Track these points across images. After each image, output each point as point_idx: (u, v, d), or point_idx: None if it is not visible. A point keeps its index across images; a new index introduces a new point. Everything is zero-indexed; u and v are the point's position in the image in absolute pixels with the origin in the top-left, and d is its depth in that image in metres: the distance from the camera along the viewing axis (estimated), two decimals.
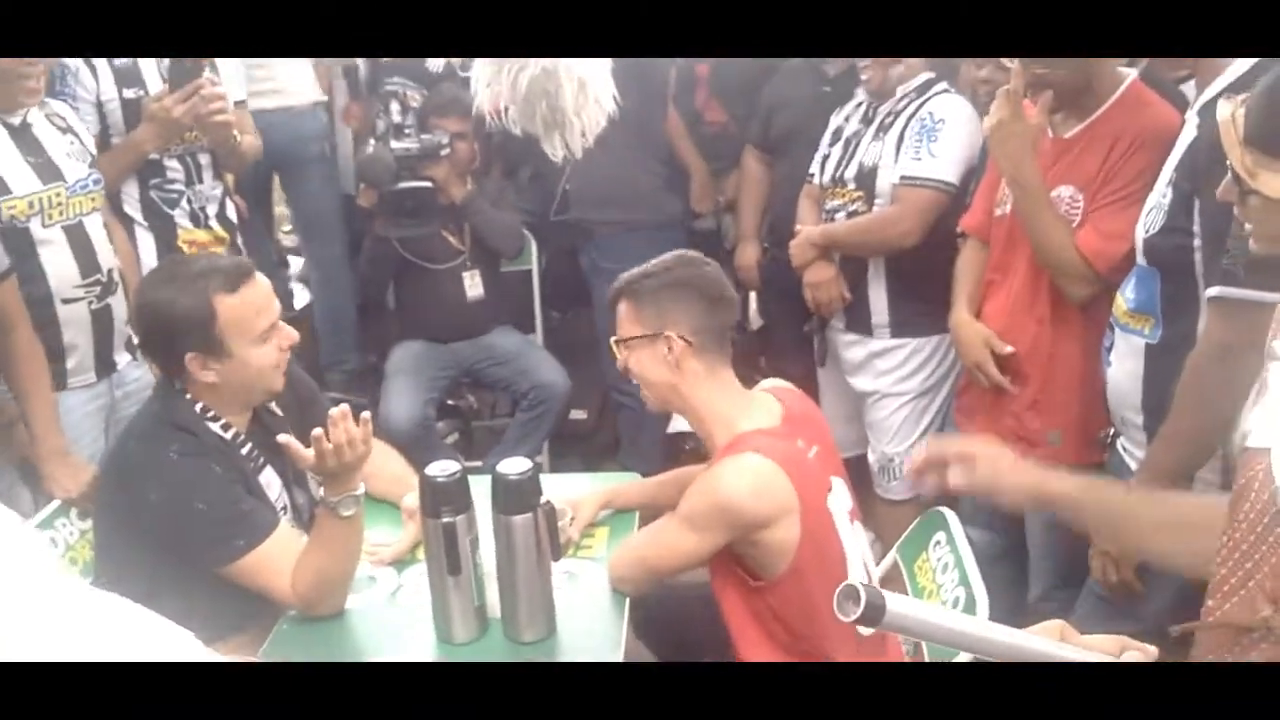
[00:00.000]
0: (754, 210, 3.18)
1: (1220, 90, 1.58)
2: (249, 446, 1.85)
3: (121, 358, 2.37)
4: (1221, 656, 0.76)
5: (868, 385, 2.70)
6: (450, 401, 3.46)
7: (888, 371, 2.66)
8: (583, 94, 2.09)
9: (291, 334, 1.84)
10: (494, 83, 2.08)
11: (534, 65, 2.00)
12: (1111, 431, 1.94)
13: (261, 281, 1.81)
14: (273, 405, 1.92)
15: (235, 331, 1.74)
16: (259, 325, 1.76)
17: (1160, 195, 1.72)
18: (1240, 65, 1.60)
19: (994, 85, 2.46)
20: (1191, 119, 1.71)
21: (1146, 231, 1.74)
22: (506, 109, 2.13)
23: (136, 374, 2.40)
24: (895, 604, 0.80)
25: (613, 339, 1.82)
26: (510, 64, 2.02)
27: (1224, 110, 1.23)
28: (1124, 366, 1.82)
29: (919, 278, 2.55)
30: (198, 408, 1.80)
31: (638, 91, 3.02)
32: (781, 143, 3.02)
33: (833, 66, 2.91)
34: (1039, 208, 2.02)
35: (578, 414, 3.53)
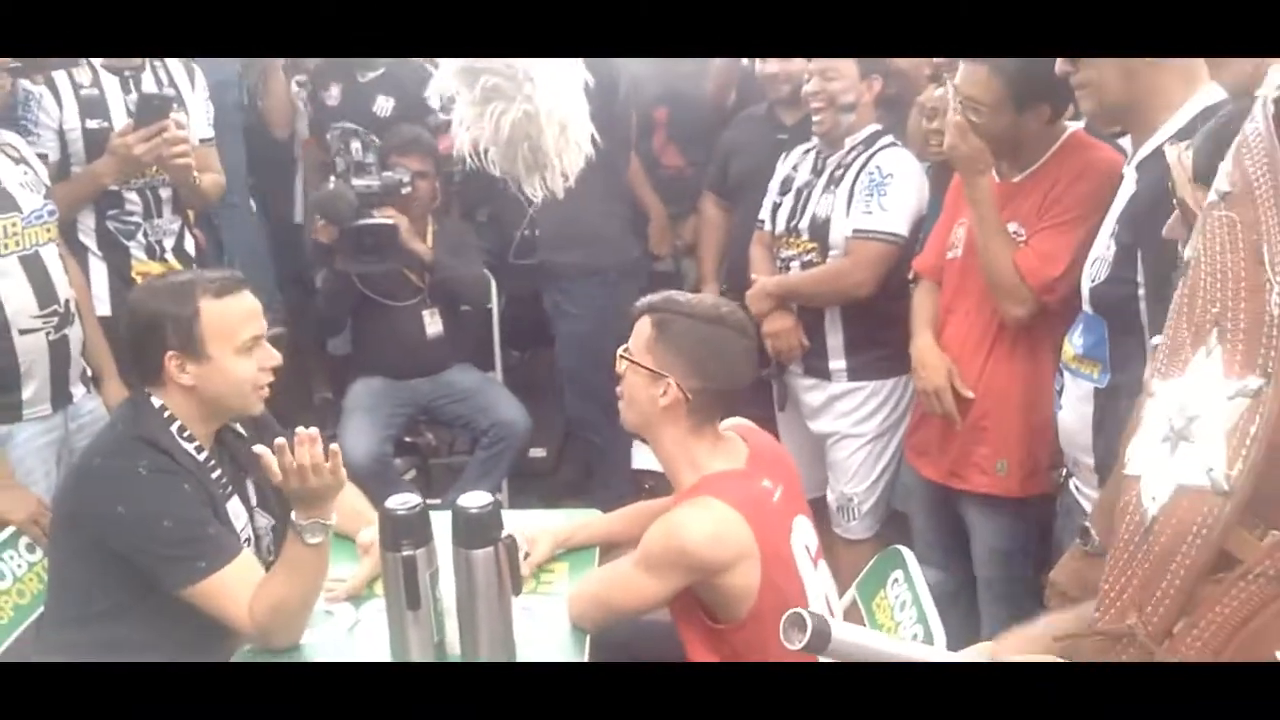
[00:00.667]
0: (714, 254, 3.24)
1: (1162, 142, 1.66)
2: (218, 472, 1.84)
3: (77, 390, 2.34)
4: (1102, 658, 0.85)
5: (827, 427, 2.74)
6: (408, 439, 3.44)
7: (847, 413, 2.70)
8: (564, 137, 2.13)
9: (274, 355, 1.84)
10: (474, 126, 2.10)
11: (516, 109, 2.04)
12: (1065, 471, 1.99)
13: (250, 297, 1.84)
14: (237, 426, 1.92)
15: (216, 335, 1.76)
16: (241, 334, 1.79)
17: (1104, 247, 1.78)
18: (1179, 119, 1.69)
19: (943, 137, 2.57)
20: (1130, 173, 1.78)
21: (1092, 281, 1.80)
22: (486, 150, 2.15)
23: (91, 406, 2.37)
24: (840, 630, 0.82)
25: (620, 349, 1.80)
26: (493, 107, 2.05)
27: (1171, 154, 1.32)
28: (1074, 410, 1.88)
29: (874, 323, 2.61)
30: (174, 427, 1.79)
31: (605, 135, 3.08)
32: (738, 188, 3.09)
33: (789, 115, 2.99)
34: (988, 224, 2.09)
35: (537, 452, 3.53)
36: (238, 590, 1.67)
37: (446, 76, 2.11)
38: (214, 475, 1.83)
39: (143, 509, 1.69)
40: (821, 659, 0.86)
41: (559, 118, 2.09)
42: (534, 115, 2.05)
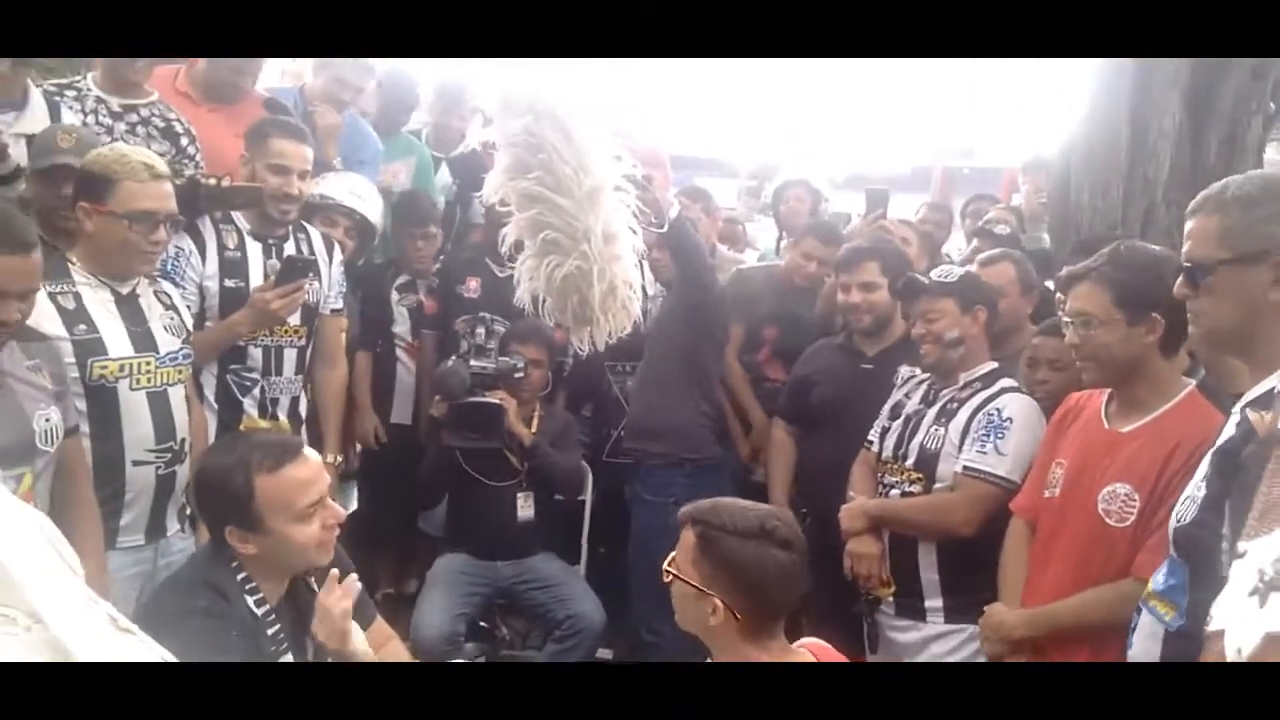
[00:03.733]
0: (784, 479, 3.20)
1: (1274, 386, 1.57)
2: (276, 628, 1.85)
3: (172, 525, 2.41)
4: None
5: None
6: (483, 623, 3.39)
7: (943, 655, 2.54)
8: (611, 297, 2.24)
9: (338, 513, 1.88)
10: (533, 276, 2.23)
11: (570, 263, 2.17)
12: None
13: (310, 460, 1.88)
14: (311, 580, 1.93)
15: (274, 509, 1.80)
16: (299, 503, 1.82)
17: (1196, 487, 1.68)
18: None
19: (1051, 385, 2.55)
20: (1236, 414, 1.66)
21: (1178, 520, 1.69)
22: (544, 301, 2.27)
23: (182, 545, 2.43)
24: None
25: (667, 561, 1.75)
26: (550, 259, 2.19)
27: (1253, 417, 1.28)
28: (1143, 647, 1.76)
29: (974, 563, 2.47)
30: (239, 576, 1.83)
31: (695, 328, 3.18)
32: (818, 416, 3.09)
33: (870, 346, 3.04)
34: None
35: (604, 653, 3.42)
36: None
37: (515, 228, 2.24)
38: (270, 631, 1.84)
39: (189, 649, 1.70)
40: None
41: (609, 278, 2.20)
42: (586, 272, 2.17)
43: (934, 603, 2.56)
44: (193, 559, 1.99)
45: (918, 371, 2.75)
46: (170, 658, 0.89)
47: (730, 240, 4.84)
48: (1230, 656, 0.83)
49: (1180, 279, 1.71)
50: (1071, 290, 2.11)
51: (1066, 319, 2.13)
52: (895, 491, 2.64)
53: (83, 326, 2.23)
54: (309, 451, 1.90)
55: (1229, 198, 1.64)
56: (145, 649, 0.72)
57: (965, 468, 2.50)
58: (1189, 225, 1.70)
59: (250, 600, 1.82)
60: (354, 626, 1.87)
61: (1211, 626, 0.91)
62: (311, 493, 1.83)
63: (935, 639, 2.55)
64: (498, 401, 3.12)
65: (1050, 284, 2.91)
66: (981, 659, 2.44)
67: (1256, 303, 1.61)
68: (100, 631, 0.69)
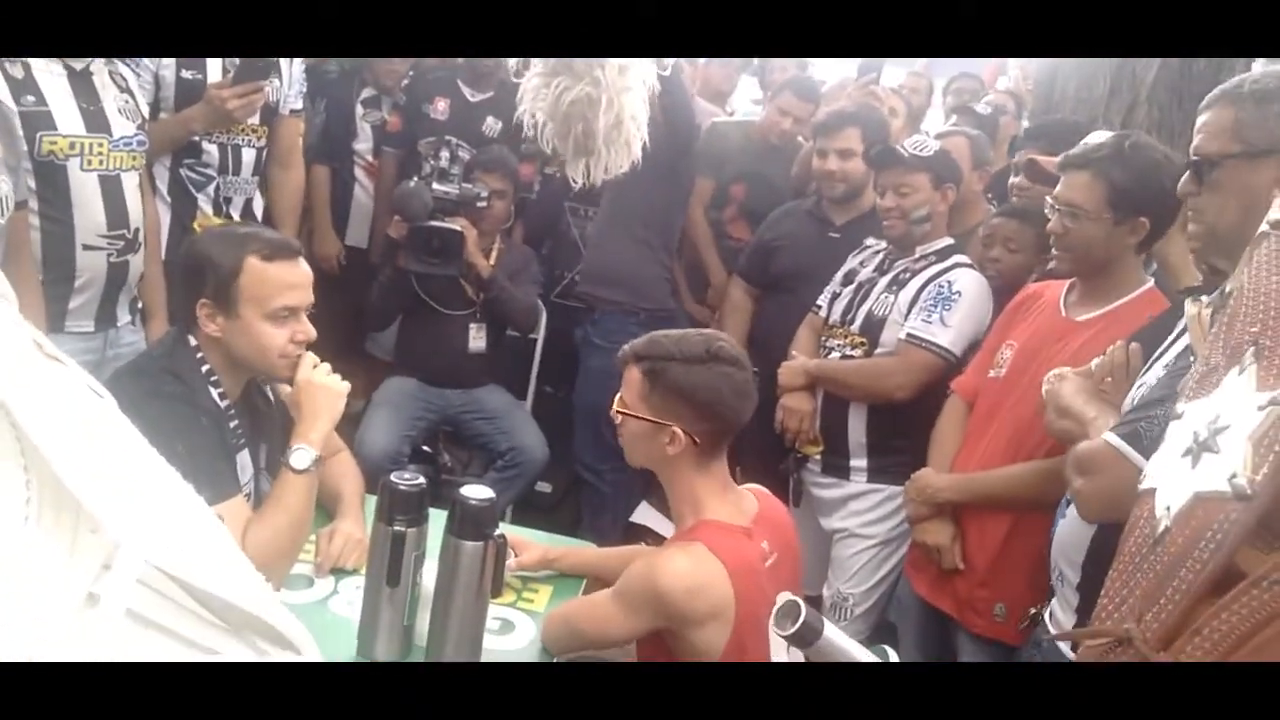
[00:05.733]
0: (738, 339, 3.19)
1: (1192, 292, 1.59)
2: (235, 423, 1.86)
3: (123, 315, 2.39)
4: (1100, 658, 0.88)
5: (837, 523, 2.70)
6: (426, 448, 3.46)
7: (860, 513, 2.67)
8: (616, 130, 2.16)
9: (309, 331, 1.83)
10: (538, 96, 2.16)
11: (580, 88, 2.08)
12: (1033, 611, 1.93)
13: (302, 267, 1.83)
14: (267, 389, 1.94)
15: (251, 296, 1.77)
16: (275, 302, 1.78)
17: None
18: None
19: (1002, 265, 2.58)
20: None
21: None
22: (544, 125, 2.19)
23: (132, 339, 2.42)
24: (830, 632, 0.83)
25: (615, 404, 1.74)
26: (559, 80, 2.10)
27: (1191, 309, 1.31)
28: (1077, 524, 1.76)
29: (900, 428, 2.58)
30: (203, 368, 1.82)
31: (665, 182, 3.15)
32: (780, 281, 3.09)
33: (840, 214, 3.02)
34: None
35: (543, 486, 3.53)
36: (229, 526, 1.67)
37: None
38: (231, 425, 1.85)
39: (156, 429, 1.71)
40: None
41: (616, 110, 2.13)
42: (595, 100, 2.09)
43: (858, 463, 2.65)
44: (150, 351, 1.98)
45: (882, 243, 2.77)
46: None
47: (712, 93, 4.72)
48: (1159, 514, 0.84)
49: (1186, 175, 1.63)
50: (1067, 176, 2.07)
51: (1053, 204, 2.10)
52: (836, 354, 2.69)
53: (31, 98, 2.14)
54: (304, 262, 1.86)
55: (1245, 91, 1.56)
56: (72, 378, 0.71)
57: (909, 335, 2.55)
58: (1201, 119, 1.61)
59: (214, 392, 1.82)
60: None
61: (1143, 485, 0.90)
62: (291, 297, 1.79)
63: (855, 497, 2.67)
64: (458, 229, 3.09)
65: (1017, 171, 2.91)
66: (899, 518, 2.57)
67: (1257, 202, 1.47)
68: (26, 355, 0.68)
